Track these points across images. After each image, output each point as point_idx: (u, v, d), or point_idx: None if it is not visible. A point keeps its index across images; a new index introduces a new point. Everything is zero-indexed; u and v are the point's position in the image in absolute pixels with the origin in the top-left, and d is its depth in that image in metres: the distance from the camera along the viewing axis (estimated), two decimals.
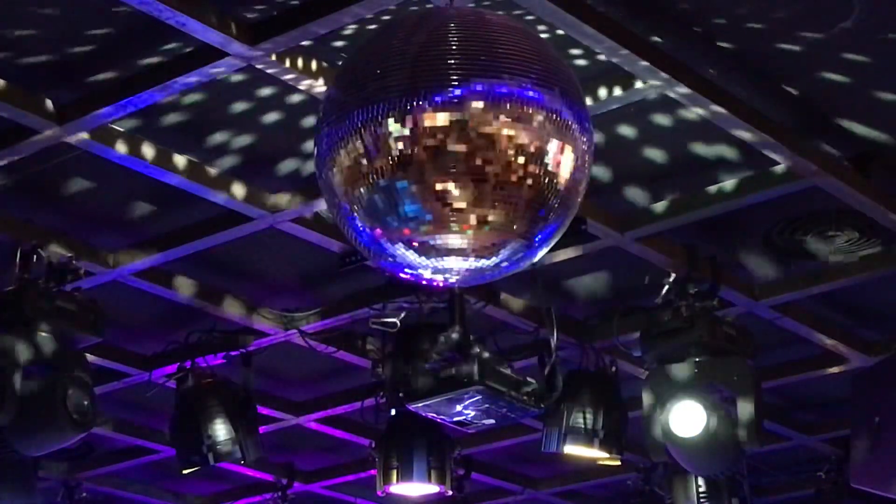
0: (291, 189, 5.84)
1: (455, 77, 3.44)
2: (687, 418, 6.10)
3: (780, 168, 5.68)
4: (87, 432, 5.83)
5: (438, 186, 3.45)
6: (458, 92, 3.43)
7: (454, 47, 3.48)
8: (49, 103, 5.19)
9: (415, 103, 3.43)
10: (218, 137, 5.55)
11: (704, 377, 6.17)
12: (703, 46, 4.99)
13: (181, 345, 6.89)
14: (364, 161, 3.50)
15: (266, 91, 5.21)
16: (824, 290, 6.70)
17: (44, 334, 5.73)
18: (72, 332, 5.81)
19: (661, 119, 5.43)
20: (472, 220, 3.51)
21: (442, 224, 3.51)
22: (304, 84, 4.99)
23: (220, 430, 6.75)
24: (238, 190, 5.80)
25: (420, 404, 5.42)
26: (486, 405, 5.38)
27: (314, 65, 4.95)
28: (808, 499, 8.50)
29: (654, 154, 5.71)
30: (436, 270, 3.67)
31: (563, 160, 3.54)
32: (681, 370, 6.20)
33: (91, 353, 6.32)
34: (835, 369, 7.45)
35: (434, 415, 5.48)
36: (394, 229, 3.56)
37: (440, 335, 5.19)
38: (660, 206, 6.03)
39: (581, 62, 5.00)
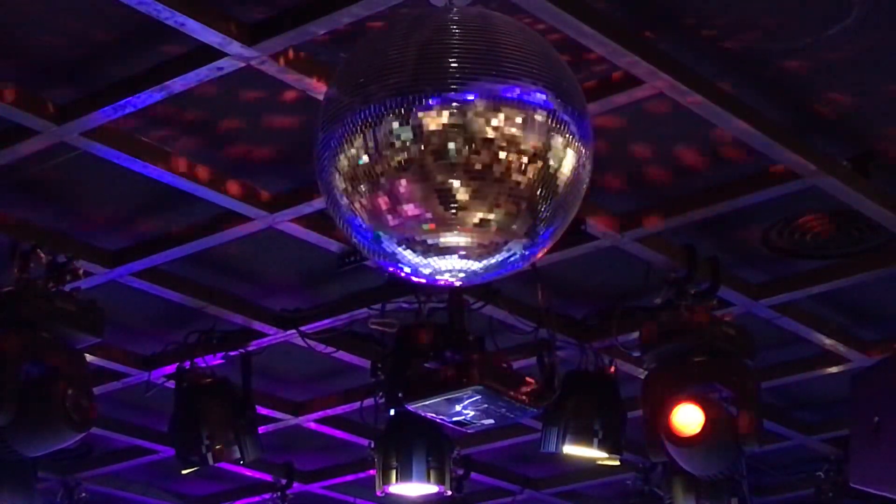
0: (291, 189, 5.84)
1: (457, 77, 3.44)
2: (687, 418, 6.10)
3: (779, 168, 5.68)
4: (87, 432, 5.83)
5: (439, 186, 3.45)
6: (459, 92, 3.43)
7: (456, 47, 3.48)
8: (49, 103, 5.19)
9: (416, 103, 3.43)
10: (217, 137, 5.54)
11: (704, 377, 6.18)
12: (702, 46, 4.99)
13: (180, 345, 6.89)
14: (364, 161, 3.50)
15: (265, 91, 5.21)
16: (824, 290, 6.70)
17: (43, 334, 5.73)
18: (71, 333, 5.81)
19: (661, 118, 5.43)
20: (473, 219, 3.52)
21: (442, 224, 3.51)
22: (303, 84, 4.99)
23: (220, 431, 6.74)
24: (237, 190, 5.80)
25: (419, 404, 5.42)
26: (486, 405, 5.39)
27: (313, 65, 4.95)
28: (807, 499, 8.50)
29: (654, 153, 5.71)
30: (436, 270, 3.67)
31: (563, 161, 3.54)
32: (680, 370, 6.20)
33: (90, 353, 6.32)
34: (834, 369, 7.45)
35: (433, 415, 5.49)
36: (394, 229, 3.56)
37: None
38: (660, 207, 6.03)
39: (580, 61, 4.99)
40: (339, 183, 3.58)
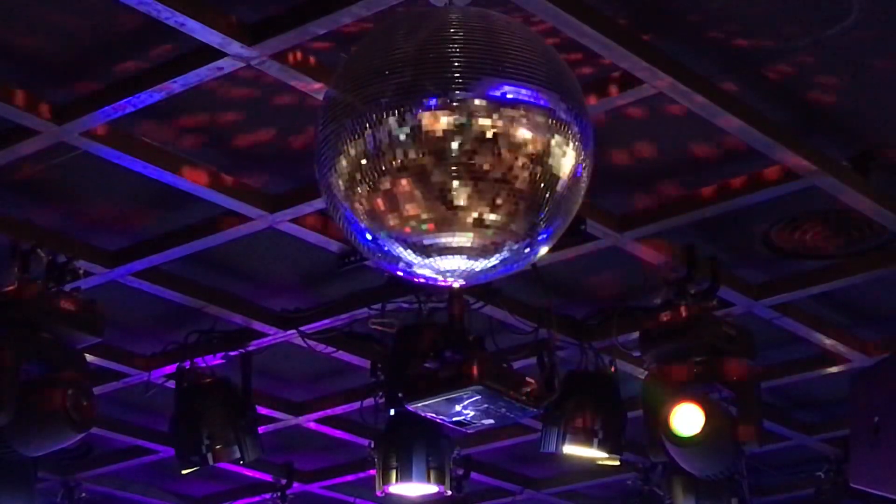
0: (291, 189, 5.84)
1: (457, 77, 3.44)
2: (687, 418, 6.10)
3: (779, 168, 5.68)
4: (87, 432, 5.83)
5: (439, 186, 3.46)
6: (459, 92, 3.43)
7: (456, 47, 3.48)
8: (49, 103, 5.19)
9: (416, 103, 3.43)
10: (217, 137, 5.55)
11: (704, 377, 6.18)
12: (702, 46, 4.99)
13: (180, 345, 6.89)
14: (365, 161, 3.50)
15: (265, 91, 5.21)
16: (824, 290, 6.70)
17: (43, 334, 5.73)
18: (71, 333, 5.81)
19: (661, 119, 5.43)
20: (473, 219, 3.52)
21: (442, 224, 3.52)
22: (303, 84, 4.99)
23: (220, 431, 6.74)
24: (237, 190, 5.80)
25: (419, 404, 5.41)
26: (486, 405, 5.38)
27: (313, 65, 4.95)
28: (807, 499, 8.50)
29: (654, 154, 5.71)
30: (436, 270, 3.67)
31: (563, 161, 3.54)
32: (680, 370, 6.20)
33: (90, 353, 6.32)
34: (834, 369, 7.45)
35: (433, 415, 5.48)
36: (394, 229, 3.56)
37: None
38: (660, 206, 6.03)
39: (580, 61, 4.99)
40: (340, 183, 3.58)
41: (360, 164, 3.51)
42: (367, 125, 3.47)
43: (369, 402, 6.63)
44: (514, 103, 3.45)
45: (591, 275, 6.67)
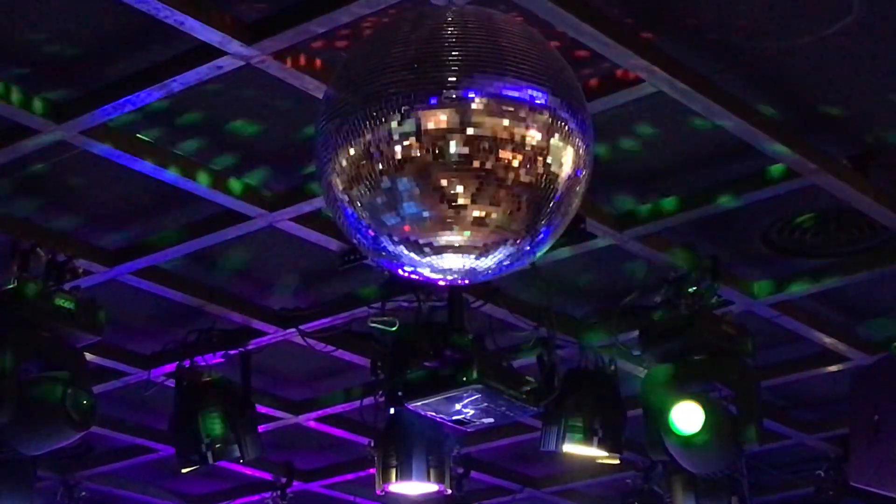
0: (291, 188, 5.84)
1: (457, 76, 3.44)
2: (686, 417, 6.10)
3: (779, 167, 5.68)
4: (87, 431, 5.83)
5: (439, 185, 3.46)
6: (459, 91, 3.43)
7: (456, 46, 3.48)
8: (49, 103, 5.19)
9: (416, 102, 3.43)
10: (217, 136, 5.54)
11: (704, 377, 6.18)
12: (703, 45, 4.99)
13: (180, 344, 6.89)
14: (365, 160, 3.50)
15: (265, 90, 5.21)
16: (823, 289, 6.70)
17: (43, 334, 5.73)
18: (71, 331, 5.81)
19: (661, 118, 5.43)
20: (473, 218, 3.52)
21: (442, 222, 3.52)
22: (303, 83, 4.99)
23: (219, 429, 6.75)
24: (237, 189, 5.80)
25: (419, 403, 5.43)
26: (486, 404, 5.39)
27: (313, 64, 4.95)
28: (807, 497, 8.50)
29: (654, 153, 5.71)
30: (436, 269, 3.67)
31: (563, 160, 3.54)
32: (679, 370, 6.20)
33: (90, 351, 6.32)
34: (834, 368, 7.45)
35: (433, 413, 5.49)
36: (394, 227, 3.56)
37: None
38: (660, 205, 6.03)
39: (580, 61, 4.99)
40: (339, 182, 3.58)
41: (360, 162, 3.51)
42: (367, 124, 3.47)
43: (369, 400, 6.63)
44: (514, 102, 3.46)
45: (591, 274, 6.67)
